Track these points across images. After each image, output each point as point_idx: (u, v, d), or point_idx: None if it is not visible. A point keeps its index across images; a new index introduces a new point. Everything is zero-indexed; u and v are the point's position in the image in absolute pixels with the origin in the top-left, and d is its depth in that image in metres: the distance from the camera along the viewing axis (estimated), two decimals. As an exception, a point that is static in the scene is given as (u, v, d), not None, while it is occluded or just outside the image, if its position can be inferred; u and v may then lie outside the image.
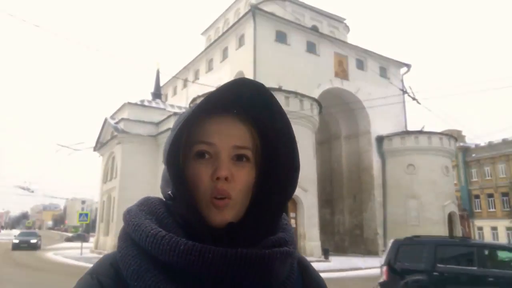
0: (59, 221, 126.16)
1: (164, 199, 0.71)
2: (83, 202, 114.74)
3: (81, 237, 28.45)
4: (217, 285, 0.60)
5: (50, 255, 22.48)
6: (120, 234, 0.68)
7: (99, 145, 26.34)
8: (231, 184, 0.65)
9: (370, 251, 24.39)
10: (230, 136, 0.67)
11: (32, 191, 35.45)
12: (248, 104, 0.68)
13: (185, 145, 0.67)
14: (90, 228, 52.35)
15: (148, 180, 22.30)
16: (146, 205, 0.69)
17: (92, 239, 29.17)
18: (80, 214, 23.93)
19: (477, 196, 43.20)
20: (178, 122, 0.66)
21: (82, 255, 21.30)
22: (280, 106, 0.68)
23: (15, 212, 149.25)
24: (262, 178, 0.69)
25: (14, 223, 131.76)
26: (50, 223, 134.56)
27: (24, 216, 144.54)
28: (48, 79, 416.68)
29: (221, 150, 0.66)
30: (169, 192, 0.67)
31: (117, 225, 21.70)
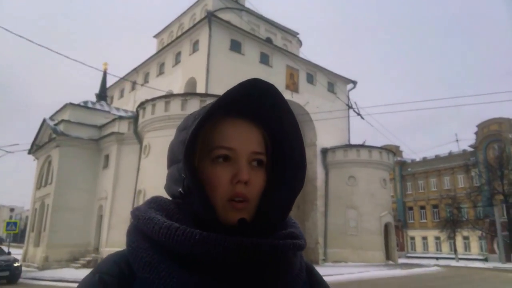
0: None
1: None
2: (12, 209, 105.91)
3: None
4: (232, 274, 0.61)
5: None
6: (129, 229, 0.69)
7: (35, 148, 24.58)
8: (249, 188, 0.67)
9: (311, 260, 24.83)
10: (249, 141, 0.70)
11: (-47, 195, 32.04)
12: (258, 104, 0.70)
13: (202, 146, 0.68)
14: (18, 239, 48.40)
15: (87, 186, 21.17)
16: (155, 202, 0.71)
17: (14, 250, 26.85)
18: (8, 223, 21.96)
19: (410, 208, 46.12)
20: (192, 122, 0.68)
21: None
22: (289, 107, 0.70)
23: None
24: (270, 175, 0.72)
25: None
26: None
27: None
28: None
29: (240, 155, 0.68)
30: (180, 189, 0.67)
31: (49, 234, 20.23)
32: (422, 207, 44.96)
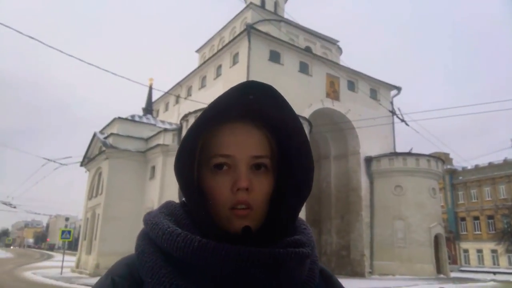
0: (40, 238, 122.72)
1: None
2: (67, 219, 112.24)
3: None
4: (229, 282, 0.60)
5: (28, 274, 21.69)
6: (139, 234, 0.71)
7: (87, 160, 25.95)
8: (251, 194, 0.65)
9: (357, 273, 24.18)
10: (247, 146, 0.67)
11: (14, 207, 34.42)
12: (258, 107, 0.67)
13: (200, 155, 0.67)
14: (73, 246, 51.07)
15: (135, 197, 21.94)
16: (166, 207, 0.72)
17: (68, 257, 28.26)
18: (63, 232, 23.32)
19: (463, 219, 43.57)
20: (189, 132, 0.66)
21: (62, 274, 20.65)
22: (291, 107, 0.68)
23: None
24: (277, 180, 0.69)
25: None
26: (31, 240, 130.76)
27: (4, 233, 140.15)
28: (39, 90, 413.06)
29: (239, 161, 0.66)
30: (183, 199, 0.69)
31: (100, 243, 21.14)
32: (476, 218, 42.34)
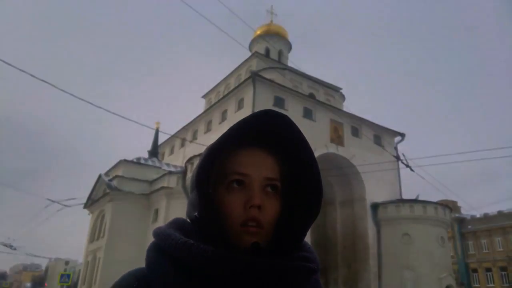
0: (38, 283, 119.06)
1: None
2: (67, 263, 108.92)
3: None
4: None
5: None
6: (149, 247, 0.73)
7: (90, 202, 25.86)
8: (263, 213, 0.68)
9: (367, 327, 23.00)
10: (262, 168, 0.72)
11: (15, 249, 33.90)
12: (272, 134, 0.73)
13: (217, 174, 0.71)
14: (71, 291, 49.55)
15: (137, 240, 21.56)
16: (175, 223, 0.75)
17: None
18: (62, 275, 22.67)
19: (475, 270, 41.91)
20: (208, 151, 0.71)
21: (59, 320, 19.88)
22: (303, 136, 0.74)
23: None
24: (286, 202, 0.73)
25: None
26: (28, 285, 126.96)
27: (2, 276, 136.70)
28: (46, 132, 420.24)
29: (254, 180, 0.70)
30: (195, 214, 0.71)
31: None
32: (488, 269, 40.71)
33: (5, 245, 33.46)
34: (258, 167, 0.71)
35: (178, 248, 0.65)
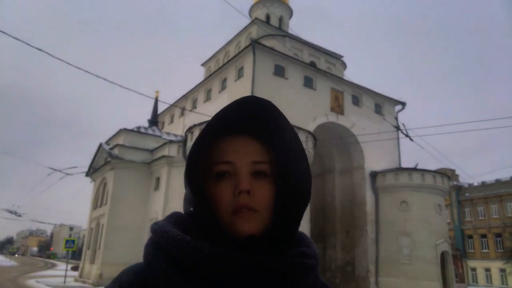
0: (44, 247, 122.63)
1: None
2: (71, 228, 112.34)
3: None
4: None
5: (32, 282, 21.69)
6: (147, 243, 0.72)
7: (92, 170, 26.10)
8: (253, 198, 0.67)
9: (362, 289, 23.85)
10: (247, 153, 0.70)
11: (20, 215, 34.58)
12: (257, 121, 0.71)
13: (204, 167, 0.71)
14: (76, 256, 50.96)
15: (139, 207, 21.98)
16: (173, 217, 0.73)
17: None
18: (67, 241, 23.33)
19: (470, 236, 42.92)
20: (194, 144, 0.70)
21: (66, 283, 20.59)
22: (287, 120, 0.72)
23: (0, 236, 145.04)
24: (278, 191, 0.72)
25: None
26: (35, 249, 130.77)
27: (9, 241, 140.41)
28: (48, 103, 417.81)
29: (240, 167, 0.69)
30: (191, 208, 0.73)
31: (103, 253, 21.13)
32: (483, 236, 41.69)
33: (11, 212, 34.13)
34: (243, 153, 0.70)
35: (175, 245, 0.64)
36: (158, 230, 0.70)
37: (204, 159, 0.71)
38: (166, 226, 0.69)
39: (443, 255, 24.84)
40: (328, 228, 27.27)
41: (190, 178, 0.70)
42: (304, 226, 19.37)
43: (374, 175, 26.27)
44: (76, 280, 23.45)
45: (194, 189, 0.69)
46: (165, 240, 0.66)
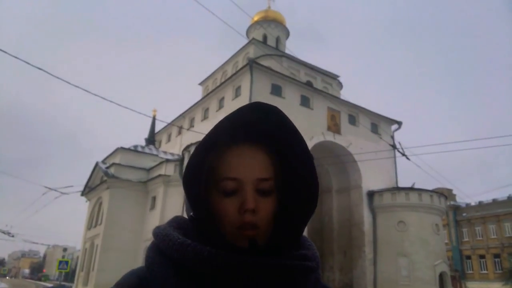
0: (36, 269, 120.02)
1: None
2: (65, 249, 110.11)
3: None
4: None
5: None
6: (149, 246, 0.73)
7: (88, 190, 25.88)
8: (258, 215, 0.67)
9: (361, 312, 23.40)
10: (253, 169, 0.69)
11: (13, 236, 34.01)
12: (263, 128, 0.70)
13: (208, 175, 0.70)
14: (69, 277, 49.95)
15: (134, 227, 21.71)
16: (175, 221, 0.74)
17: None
18: (60, 262, 22.91)
19: (468, 257, 42.50)
20: (195, 152, 0.69)
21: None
22: (295, 128, 0.71)
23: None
24: (281, 197, 0.71)
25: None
26: (27, 271, 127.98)
27: (1, 262, 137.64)
28: (45, 121, 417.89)
29: (245, 183, 0.68)
30: (191, 213, 0.73)
31: (97, 274, 20.73)
32: (482, 256, 41.29)
33: (3, 232, 33.57)
34: (249, 169, 0.69)
35: (175, 249, 0.65)
36: (159, 234, 0.70)
37: (207, 166, 0.70)
38: (168, 230, 0.70)
39: (441, 276, 24.54)
40: (326, 249, 26.96)
41: (187, 187, 0.69)
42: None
43: (371, 194, 26.20)
44: (68, 303, 22.92)
45: (190, 196, 0.69)
46: (165, 243, 0.67)
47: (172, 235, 0.67)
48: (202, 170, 0.69)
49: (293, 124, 0.70)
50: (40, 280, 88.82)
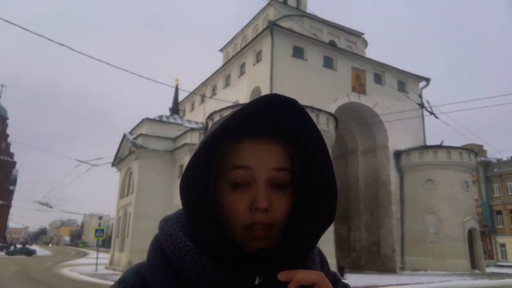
0: (76, 237, 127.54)
1: None
2: (100, 217, 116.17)
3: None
4: None
5: (66, 271, 22.62)
6: (152, 242, 0.68)
7: (117, 161, 26.70)
8: (270, 214, 0.61)
9: (388, 269, 23.79)
10: (268, 158, 0.62)
11: (51, 207, 36.05)
12: (280, 121, 0.63)
13: (217, 168, 0.63)
14: (106, 244, 52.80)
15: (164, 195, 22.40)
16: (184, 217, 0.67)
17: (102, 255, 29.24)
18: (96, 230, 24.16)
19: (499, 212, 41.89)
20: (204, 144, 0.61)
21: (97, 271, 21.39)
22: (314, 123, 0.63)
23: (34, 227, 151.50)
24: (297, 200, 0.64)
25: (33, 238, 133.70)
26: (67, 238, 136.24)
27: (43, 231, 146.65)
28: (69, 94, 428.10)
29: (258, 175, 0.61)
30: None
31: (132, 240, 21.75)
32: (513, 211, 40.61)
33: (42, 204, 35.54)
34: (263, 157, 0.62)
35: (174, 253, 0.60)
36: (164, 231, 0.65)
37: (216, 161, 0.63)
38: (173, 228, 0.65)
39: (470, 232, 24.43)
40: (352, 209, 27.17)
41: (190, 184, 0.61)
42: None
43: (398, 154, 25.86)
44: (106, 268, 24.31)
45: (194, 197, 0.61)
46: (167, 244, 0.62)
47: (175, 236, 0.63)
48: (211, 163, 0.62)
49: (312, 120, 0.62)
50: (77, 246, 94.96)
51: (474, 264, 23.99)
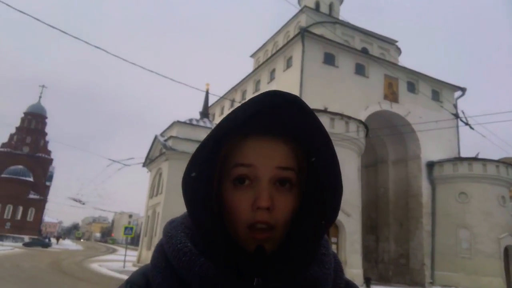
0: (106, 233, 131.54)
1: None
2: (130, 216, 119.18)
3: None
4: None
5: (95, 266, 23.35)
6: (157, 244, 0.69)
7: (148, 161, 27.39)
8: (273, 213, 0.59)
9: (416, 283, 23.06)
10: (272, 156, 0.61)
11: (83, 203, 37.33)
12: (283, 118, 0.61)
13: (221, 166, 0.62)
14: (135, 242, 54.08)
15: (192, 196, 22.70)
16: (188, 218, 0.66)
17: (130, 252, 29.87)
18: (126, 228, 24.80)
19: (539, 231, 39.68)
20: (206, 141, 0.60)
21: (125, 268, 21.93)
22: (319, 120, 0.61)
23: (67, 222, 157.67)
24: (301, 199, 0.63)
25: (66, 233, 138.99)
26: (98, 235, 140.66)
27: (75, 227, 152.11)
28: (105, 95, 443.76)
29: (262, 172, 0.60)
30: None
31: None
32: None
33: (75, 200, 36.88)
34: (266, 155, 0.60)
35: (174, 255, 0.61)
36: (167, 233, 0.66)
37: (221, 159, 0.61)
38: (176, 229, 0.65)
39: (507, 250, 23.29)
40: (381, 220, 26.55)
41: (192, 181, 0.60)
42: (356, 219, 19.01)
43: (431, 165, 25.09)
44: (134, 265, 24.87)
45: (197, 196, 0.60)
46: (169, 246, 0.63)
47: (176, 238, 0.63)
48: (215, 160, 0.61)
49: (316, 117, 0.61)
50: (107, 242, 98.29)
51: (509, 284, 22.83)
